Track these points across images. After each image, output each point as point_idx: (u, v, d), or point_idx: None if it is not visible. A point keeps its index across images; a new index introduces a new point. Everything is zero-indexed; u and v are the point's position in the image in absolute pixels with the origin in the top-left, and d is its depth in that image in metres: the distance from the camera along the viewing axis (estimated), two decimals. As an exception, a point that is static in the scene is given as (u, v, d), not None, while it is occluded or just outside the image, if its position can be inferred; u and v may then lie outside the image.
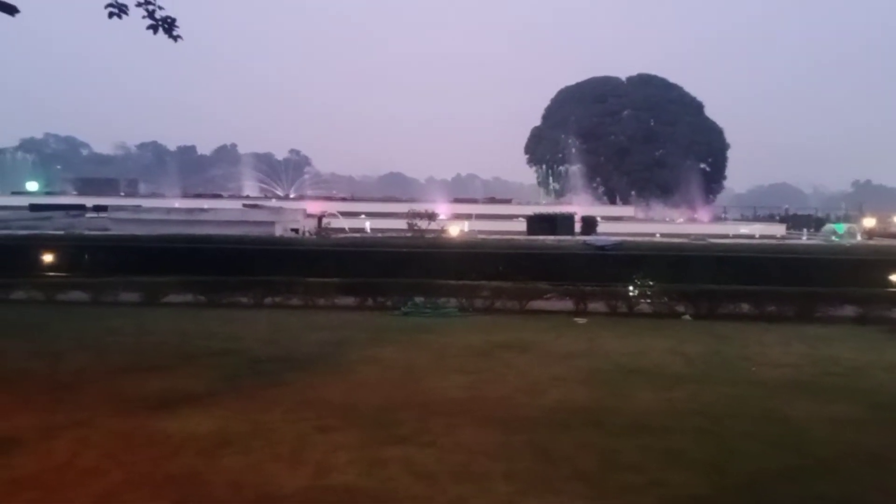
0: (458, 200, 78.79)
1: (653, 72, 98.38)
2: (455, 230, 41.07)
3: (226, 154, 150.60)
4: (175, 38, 9.08)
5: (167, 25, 8.98)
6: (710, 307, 20.85)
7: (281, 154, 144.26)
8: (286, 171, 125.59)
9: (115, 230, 35.90)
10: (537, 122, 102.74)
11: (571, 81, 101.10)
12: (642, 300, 21.35)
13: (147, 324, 18.34)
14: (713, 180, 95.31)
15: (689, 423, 10.05)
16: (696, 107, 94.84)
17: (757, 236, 52.51)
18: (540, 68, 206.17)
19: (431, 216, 39.99)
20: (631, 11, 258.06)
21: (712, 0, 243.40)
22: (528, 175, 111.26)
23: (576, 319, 19.67)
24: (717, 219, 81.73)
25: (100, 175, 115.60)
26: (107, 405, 10.46)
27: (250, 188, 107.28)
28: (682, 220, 74.94)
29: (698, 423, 10.10)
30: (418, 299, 21.37)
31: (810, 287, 21.22)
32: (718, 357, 15.00)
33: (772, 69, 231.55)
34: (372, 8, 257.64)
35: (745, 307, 20.99)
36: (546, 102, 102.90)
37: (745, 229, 58.84)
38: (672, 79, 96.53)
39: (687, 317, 20.63)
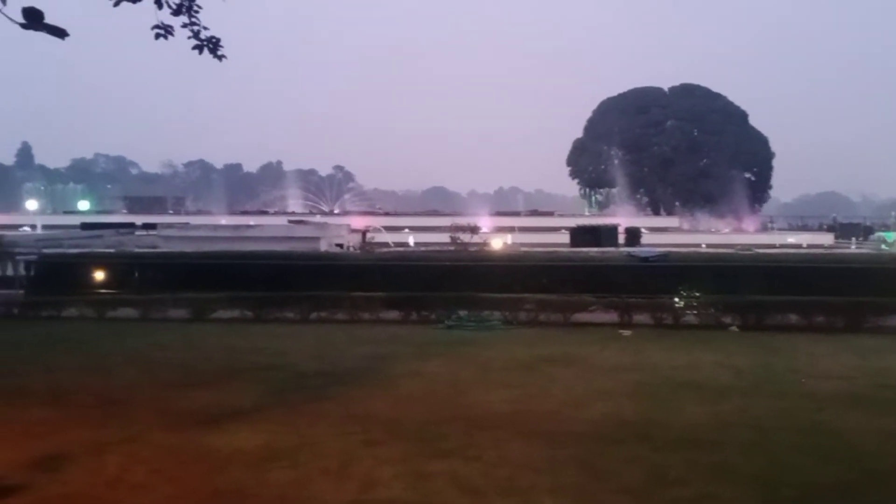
0: (500, 213, 78.90)
1: (693, 81, 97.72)
2: (498, 243, 41.06)
3: (271, 171, 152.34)
4: (220, 57, 9.17)
5: (212, 45, 9.08)
6: (758, 318, 20.54)
7: (325, 170, 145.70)
8: (330, 187, 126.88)
9: (164, 247, 36.50)
10: (579, 134, 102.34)
11: (612, 93, 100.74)
12: (688, 312, 21.11)
13: (195, 340, 18.59)
14: (759, 190, 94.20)
15: (738, 437, 9.91)
16: (740, 116, 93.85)
17: (804, 246, 51.78)
18: (580, 81, 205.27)
19: (474, 229, 39.98)
20: (664, 22, 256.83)
21: (747, 4, 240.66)
22: (570, 187, 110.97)
23: (621, 332, 19.49)
24: (764, 228, 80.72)
25: (148, 193, 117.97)
26: (156, 420, 10.61)
27: (295, 204, 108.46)
28: (727, 230, 74.11)
29: (747, 436, 9.95)
30: (462, 313, 21.36)
31: (860, 297, 20.77)
32: (767, 369, 14.76)
33: (815, 73, 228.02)
34: (411, 29, 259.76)
35: (794, 318, 20.65)
36: (588, 114, 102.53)
37: (792, 239, 58.04)
38: (714, 88, 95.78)
39: (734, 328, 20.36)
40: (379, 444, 9.46)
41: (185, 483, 8.17)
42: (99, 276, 25.50)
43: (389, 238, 52.20)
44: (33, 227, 65.68)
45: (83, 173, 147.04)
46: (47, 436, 9.80)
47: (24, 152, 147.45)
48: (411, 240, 51.99)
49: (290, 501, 7.66)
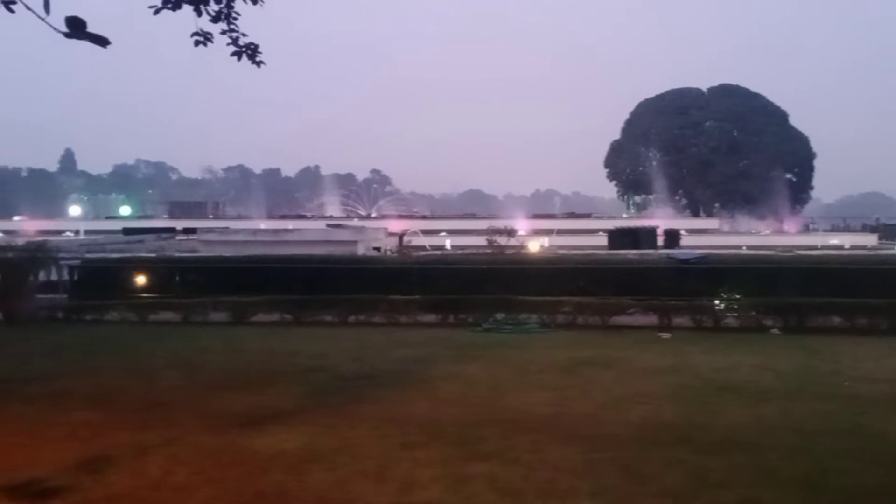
0: (537, 216, 78.76)
1: (732, 81, 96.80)
2: (535, 246, 40.92)
3: (309, 176, 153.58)
4: (258, 63, 9.29)
5: (250, 51, 9.19)
6: (799, 321, 20.22)
7: (362, 175, 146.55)
8: (367, 190, 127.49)
9: (204, 252, 36.85)
10: (616, 135, 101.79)
11: (649, 94, 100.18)
12: (728, 314, 20.85)
13: (236, 342, 18.73)
14: (800, 191, 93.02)
15: (781, 440, 9.77)
16: (780, 116, 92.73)
17: (847, 247, 51.01)
18: (615, 82, 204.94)
19: (511, 232, 39.81)
20: (702, 20, 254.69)
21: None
22: (608, 189, 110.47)
23: (660, 335, 19.32)
24: (805, 230, 79.61)
25: (189, 198, 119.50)
26: (197, 423, 10.71)
27: (333, 208, 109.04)
28: (768, 231, 73.24)
29: (790, 439, 9.82)
30: (499, 315, 21.29)
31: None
32: (809, 372, 14.55)
33: (852, 70, 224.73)
34: (441, 33, 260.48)
35: (836, 320, 20.30)
36: (625, 115, 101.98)
37: (834, 240, 57.26)
38: (753, 87, 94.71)
39: (775, 331, 20.08)
40: (418, 447, 9.47)
41: (226, 485, 8.25)
42: (141, 280, 25.82)
43: (426, 241, 52.38)
44: (76, 232, 66.75)
45: (125, 179, 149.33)
46: (91, 438, 9.94)
47: (67, 158, 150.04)
48: (448, 243, 52.07)
49: (330, 503, 7.71)
